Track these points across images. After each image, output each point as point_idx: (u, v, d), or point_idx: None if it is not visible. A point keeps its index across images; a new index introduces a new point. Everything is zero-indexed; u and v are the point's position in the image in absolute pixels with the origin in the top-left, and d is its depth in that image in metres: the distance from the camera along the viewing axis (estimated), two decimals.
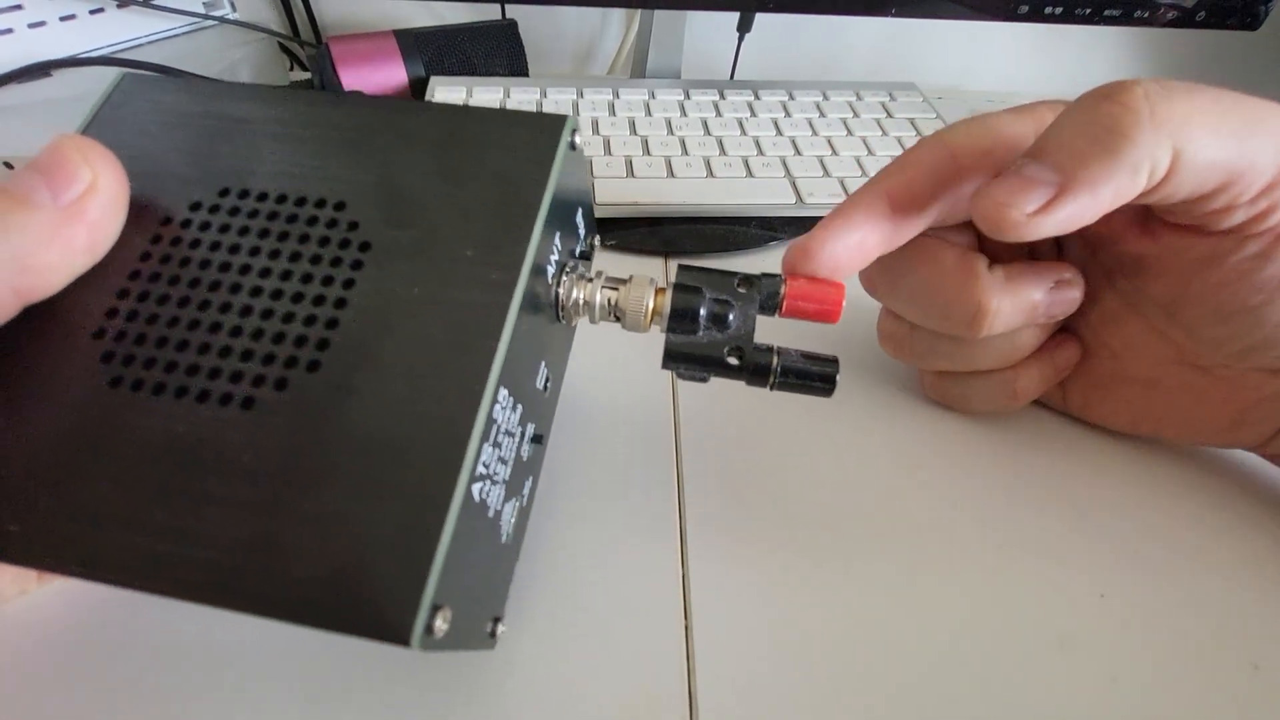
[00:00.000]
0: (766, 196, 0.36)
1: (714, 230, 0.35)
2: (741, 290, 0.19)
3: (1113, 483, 0.24)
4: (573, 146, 0.17)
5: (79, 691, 0.18)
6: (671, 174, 0.37)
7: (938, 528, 0.23)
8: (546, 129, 0.17)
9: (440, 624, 0.12)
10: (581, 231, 0.20)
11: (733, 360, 0.18)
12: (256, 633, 0.19)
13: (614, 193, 0.35)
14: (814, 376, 0.18)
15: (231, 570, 0.13)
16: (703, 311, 0.18)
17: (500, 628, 0.17)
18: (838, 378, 0.18)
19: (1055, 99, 0.21)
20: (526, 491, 0.19)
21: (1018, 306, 0.21)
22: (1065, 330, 0.25)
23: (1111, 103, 0.16)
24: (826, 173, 0.38)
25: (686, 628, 0.20)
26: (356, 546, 0.12)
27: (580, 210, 0.20)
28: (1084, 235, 0.21)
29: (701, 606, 0.20)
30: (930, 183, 0.20)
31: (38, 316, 0.15)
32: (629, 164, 0.37)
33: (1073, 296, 0.22)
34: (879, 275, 0.23)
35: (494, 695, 0.18)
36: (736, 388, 0.22)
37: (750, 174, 0.37)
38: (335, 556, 0.12)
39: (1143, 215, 0.21)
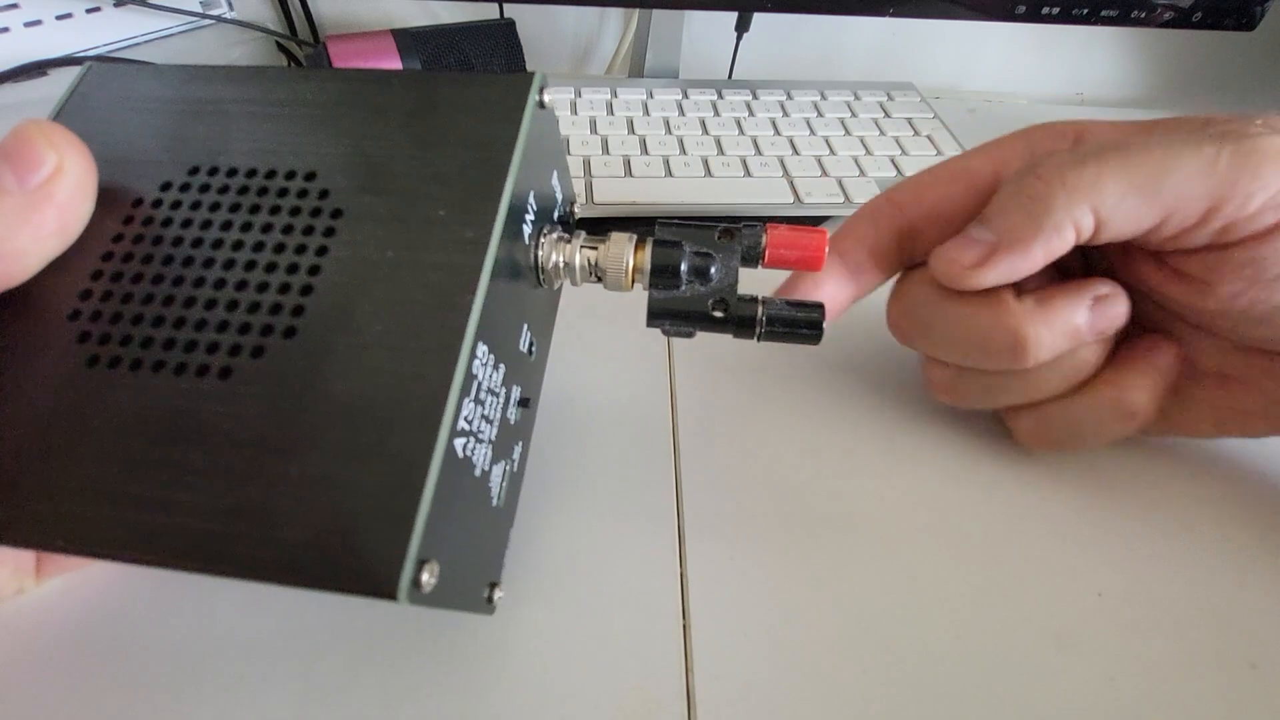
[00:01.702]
0: (764, 196, 0.36)
1: None
2: (722, 241, 0.19)
3: (1109, 482, 0.24)
4: (542, 105, 0.17)
5: (77, 689, 0.18)
6: (670, 173, 0.37)
7: (935, 526, 0.23)
8: (514, 88, 0.17)
9: (427, 578, 0.12)
10: (559, 195, 0.20)
11: (718, 313, 0.18)
12: (254, 627, 0.19)
13: (612, 192, 0.35)
14: (800, 324, 0.18)
15: (219, 537, 0.13)
16: (684, 266, 0.18)
17: (498, 594, 0.17)
18: (824, 326, 0.18)
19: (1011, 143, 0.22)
20: (517, 456, 0.19)
21: (1059, 331, 0.20)
22: (1149, 331, 0.23)
23: (1034, 177, 0.19)
24: (824, 172, 0.38)
25: (685, 627, 0.20)
26: (342, 505, 0.13)
27: (556, 172, 0.20)
28: (1108, 264, 0.22)
29: (700, 604, 0.20)
30: (882, 240, 0.23)
31: (11, 302, 0.15)
32: (627, 163, 0.37)
33: (1118, 311, 0.21)
34: (907, 323, 0.23)
35: (491, 695, 0.18)
36: (734, 383, 0.21)
37: (748, 173, 0.37)
38: (321, 517, 0.12)
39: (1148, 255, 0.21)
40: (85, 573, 0.20)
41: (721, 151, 0.38)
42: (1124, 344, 0.22)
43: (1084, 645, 0.20)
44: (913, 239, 0.23)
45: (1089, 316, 0.21)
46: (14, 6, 0.40)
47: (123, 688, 0.18)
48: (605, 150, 0.38)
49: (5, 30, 0.40)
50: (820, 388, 0.25)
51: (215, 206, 0.16)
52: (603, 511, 0.22)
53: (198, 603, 0.19)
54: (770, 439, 0.25)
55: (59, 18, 0.42)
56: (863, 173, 0.38)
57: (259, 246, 0.15)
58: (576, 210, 0.22)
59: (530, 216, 0.18)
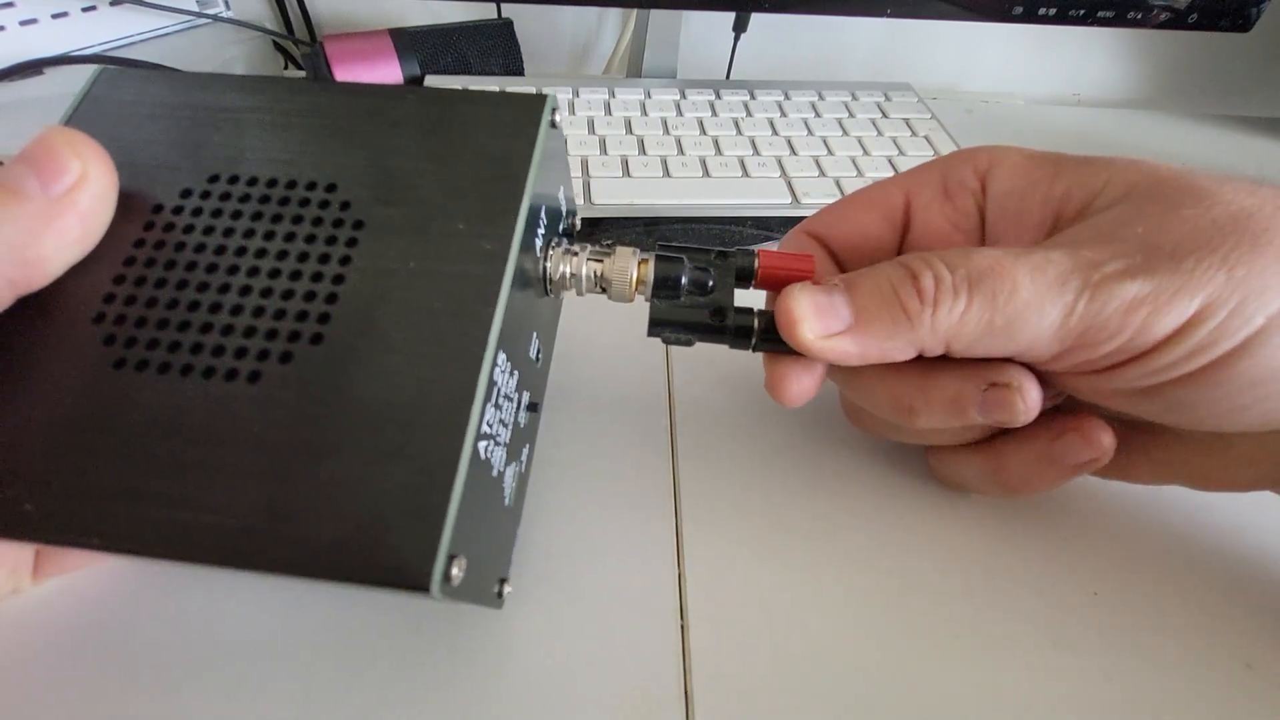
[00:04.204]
0: (762, 196, 0.36)
1: (710, 230, 0.35)
2: (718, 262, 0.20)
3: (1104, 481, 0.24)
4: (553, 125, 0.18)
5: (76, 690, 0.18)
6: (667, 174, 0.37)
7: (932, 525, 0.23)
8: (528, 108, 0.18)
9: (456, 572, 0.13)
10: (564, 209, 0.21)
11: (715, 322, 0.19)
12: (253, 627, 0.19)
13: (610, 192, 0.35)
14: None
15: (252, 534, 0.13)
16: (684, 279, 0.19)
17: (506, 589, 0.18)
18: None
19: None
20: (525, 458, 0.19)
21: (939, 411, 0.19)
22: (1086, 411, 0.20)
23: (913, 284, 0.17)
24: (822, 173, 0.38)
25: (683, 628, 0.20)
26: (374, 504, 0.13)
27: (562, 188, 0.21)
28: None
29: (698, 604, 0.20)
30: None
31: (34, 306, 0.15)
32: (625, 164, 0.37)
33: (1016, 406, 0.18)
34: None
35: (489, 696, 0.18)
36: (732, 383, 0.22)
37: (746, 174, 0.37)
38: (355, 515, 0.13)
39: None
40: (83, 573, 0.20)
41: (719, 152, 0.38)
42: (1056, 414, 0.20)
43: (1080, 644, 0.20)
44: (838, 266, 0.22)
45: (980, 402, 0.19)
46: (9, 5, 0.40)
47: (121, 688, 0.18)
48: (603, 150, 0.38)
49: (1, 29, 0.40)
50: None
51: (237, 214, 0.16)
52: (600, 513, 0.22)
53: (197, 603, 0.19)
54: (767, 440, 0.25)
55: (55, 16, 0.42)
56: (860, 173, 0.38)
57: (282, 255, 0.16)
58: (578, 223, 0.23)
59: (541, 230, 0.18)
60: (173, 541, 0.13)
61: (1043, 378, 0.19)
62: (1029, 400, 0.18)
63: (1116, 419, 0.20)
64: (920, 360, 0.19)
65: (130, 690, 0.18)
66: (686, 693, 0.19)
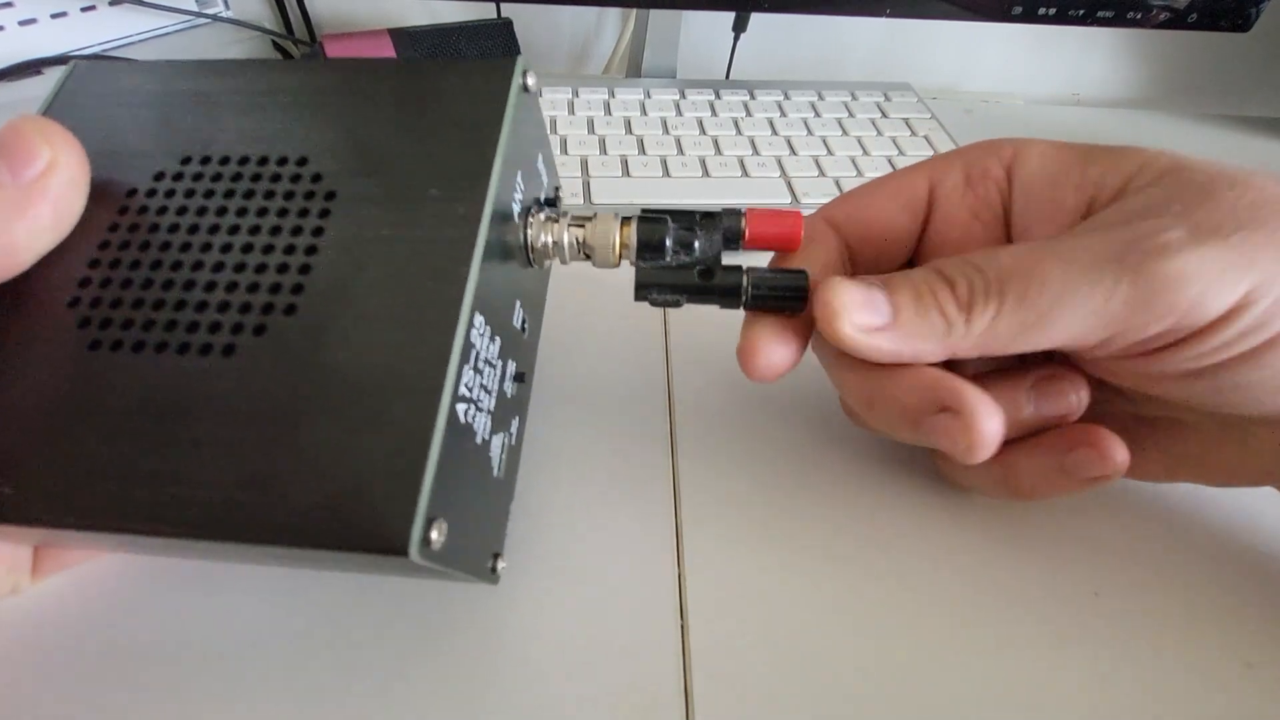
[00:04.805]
0: (761, 196, 0.36)
1: None
2: (704, 223, 0.19)
3: None
4: (525, 89, 0.18)
5: (74, 690, 0.18)
6: (667, 174, 0.37)
7: (934, 524, 0.23)
8: (498, 72, 0.18)
9: (436, 536, 0.13)
10: (544, 178, 0.21)
11: (703, 282, 0.19)
12: (249, 627, 0.19)
13: (610, 192, 0.35)
14: (785, 289, 0.18)
15: (232, 505, 0.13)
16: (668, 240, 0.19)
17: (501, 564, 0.18)
18: (808, 293, 0.18)
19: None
20: (514, 430, 0.19)
21: (894, 411, 0.19)
22: (1100, 419, 0.20)
23: (949, 289, 0.17)
24: (821, 173, 0.38)
25: (683, 627, 0.20)
26: (352, 468, 0.13)
27: (541, 156, 0.21)
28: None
29: (698, 602, 0.20)
30: (830, 262, 0.21)
31: (8, 293, 0.15)
32: (624, 163, 0.37)
33: (956, 440, 0.17)
34: (819, 353, 0.22)
35: (488, 694, 0.18)
36: (732, 379, 0.21)
37: (745, 174, 0.37)
38: (333, 480, 0.13)
39: None
40: (82, 572, 0.20)
41: (719, 152, 0.38)
42: (1072, 424, 0.20)
43: (1080, 644, 0.20)
44: (851, 258, 0.22)
45: (930, 424, 0.18)
46: (9, 5, 0.40)
47: (120, 688, 0.18)
48: (603, 150, 0.38)
49: (0, 29, 0.40)
50: (818, 380, 0.25)
51: (209, 194, 0.16)
52: (599, 510, 0.22)
53: (195, 601, 0.19)
54: (768, 436, 0.25)
55: (54, 16, 0.42)
56: (860, 173, 0.38)
57: (255, 230, 0.16)
58: (563, 195, 0.22)
59: (518, 195, 0.18)
60: (154, 517, 0.13)
61: (1090, 370, 0.19)
62: (976, 435, 0.17)
63: (1131, 417, 0.20)
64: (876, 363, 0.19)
65: (130, 690, 0.18)
66: (686, 692, 0.18)
